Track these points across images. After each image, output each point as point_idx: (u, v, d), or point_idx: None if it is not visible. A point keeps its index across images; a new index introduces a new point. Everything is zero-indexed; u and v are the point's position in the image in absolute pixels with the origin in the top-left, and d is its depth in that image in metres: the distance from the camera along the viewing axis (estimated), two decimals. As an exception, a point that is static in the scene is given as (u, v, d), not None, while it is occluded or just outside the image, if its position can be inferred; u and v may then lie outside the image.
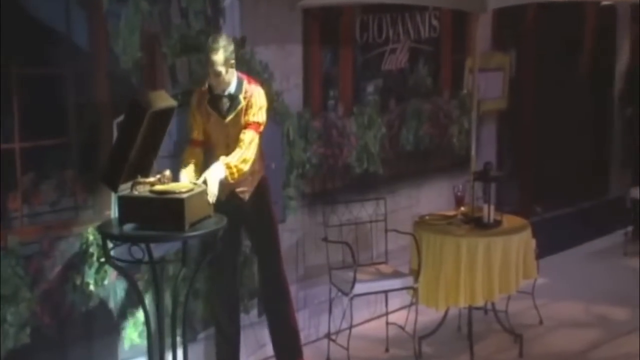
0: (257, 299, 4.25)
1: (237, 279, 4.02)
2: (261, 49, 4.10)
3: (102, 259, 3.49)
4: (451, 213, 4.48)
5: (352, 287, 4.13)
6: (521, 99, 5.82)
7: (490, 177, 4.35)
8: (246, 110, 3.67)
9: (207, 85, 3.69)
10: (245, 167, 3.62)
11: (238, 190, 3.77)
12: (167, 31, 3.75)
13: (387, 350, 4.45)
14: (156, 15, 3.69)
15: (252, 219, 3.87)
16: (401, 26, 4.83)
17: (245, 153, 3.61)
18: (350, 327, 4.26)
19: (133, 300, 3.68)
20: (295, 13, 4.26)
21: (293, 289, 4.18)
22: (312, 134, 4.45)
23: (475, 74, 4.57)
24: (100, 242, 3.46)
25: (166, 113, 3.47)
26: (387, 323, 4.46)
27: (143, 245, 3.43)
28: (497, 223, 4.33)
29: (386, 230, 4.53)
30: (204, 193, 3.45)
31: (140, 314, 3.65)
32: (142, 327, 3.71)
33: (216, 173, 3.52)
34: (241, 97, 3.67)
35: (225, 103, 3.66)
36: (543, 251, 4.76)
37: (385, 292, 4.34)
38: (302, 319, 4.38)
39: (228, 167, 3.55)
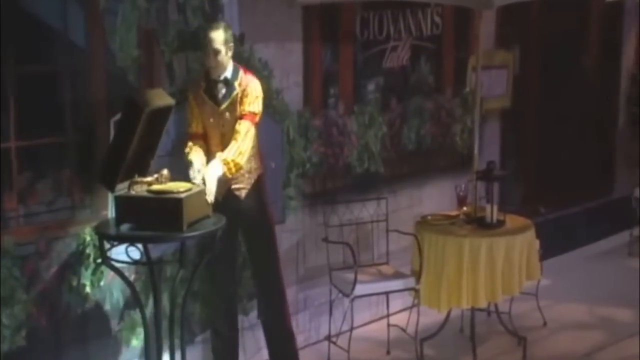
0: (256, 301, 4.21)
1: (235, 280, 3.97)
2: (260, 46, 4.07)
3: (99, 260, 3.47)
4: (453, 213, 4.45)
5: (353, 288, 4.11)
6: (525, 97, 5.77)
7: (493, 176, 4.32)
8: (241, 99, 3.63)
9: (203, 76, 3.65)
10: (242, 160, 3.58)
11: (234, 187, 3.73)
12: (164, 28, 3.72)
13: (388, 352, 4.43)
14: (153, 11, 3.67)
15: (249, 219, 3.83)
16: (402, 23, 4.80)
17: (241, 145, 3.56)
18: (351, 328, 4.25)
19: (130, 301, 3.65)
20: (295, 10, 4.23)
21: (293, 290, 4.15)
22: (312, 132, 4.42)
23: (478, 72, 4.54)
24: (97, 242, 3.44)
25: (164, 111, 3.45)
26: (389, 325, 4.43)
27: (140, 246, 3.40)
28: (500, 223, 4.30)
29: (387, 231, 4.51)
30: (202, 193, 3.42)
31: (137, 316, 3.62)
32: (139, 329, 3.67)
33: (214, 171, 3.48)
34: (236, 84, 3.63)
35: (221, 89, 3.63)
36: (547, 252, 4.73)
37: (387, 293, 4.32)
38: (302, 320, 4.35)
39: (225, 162, 3.51)
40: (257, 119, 3.66)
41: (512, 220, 4.39)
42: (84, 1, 3.47)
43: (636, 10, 6.34)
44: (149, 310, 3.57)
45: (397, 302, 4.54)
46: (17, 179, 3.32)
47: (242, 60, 3.92)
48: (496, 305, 4.44)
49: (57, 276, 3.45)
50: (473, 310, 4.29)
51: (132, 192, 3.34)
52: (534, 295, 4.72)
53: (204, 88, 3.66)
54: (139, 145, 3.34)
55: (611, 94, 6.50)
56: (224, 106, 3.66)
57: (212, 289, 3.94)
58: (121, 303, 3.67)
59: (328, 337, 4.34)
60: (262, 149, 3.85)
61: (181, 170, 3.74)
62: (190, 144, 3.65)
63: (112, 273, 3.53)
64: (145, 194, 3.34)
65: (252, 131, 3.62)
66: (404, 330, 4.43)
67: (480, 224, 4.28)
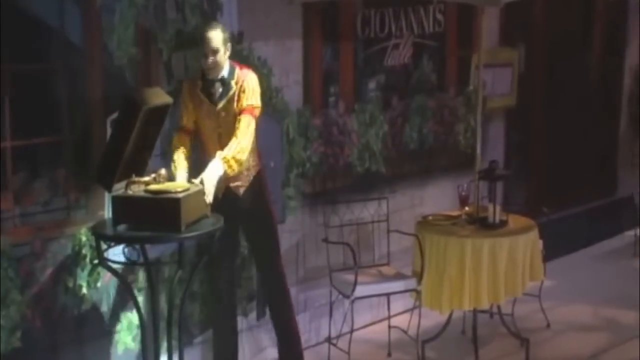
0: (255, 302, 4.17)
1: (233, 280, 3.94)
2: (260, 44, 4.04)
3: (95, 261, 3.43)
4: (455, 213, 4.42)
5: (353, 289, 4.07)
6: (530, 95, 5.73)
7: (495, 175, 4.29)
8: (239, 96, 3.58)
9: (200, 74, 3.62)
10: (244, 156, 3.51)
11: (233, 185, 3.69)
12: (162, 26, 3.69)
13: (389, 354, 4.40)
14: (151, 9, 3.63)
15: (249, 217, 3.79)
16: (404, 20, 4.77)
17: (242, 141, 3.49)
18: (352, 330, 4.23)
19: (127, 303, 3.62)
20: (294, 7, 4.20)
21: (293, 291, 4.12)
22: (312, 131, 4.39)
23: (480, 70, 4.51)
24: (93, 243, 3.40)
25: (161, 110, 3.42)
26: (390, 326, 4.40)
27: (138, 247, 3.37)
28: (503, 223, 4.27)
29: (388, 231, 4.48)
30: (200, 193, 3.39)
31: (134, 317, 3.59)
32: (136, 331, 3.65)
33: (214, 172, 3.43)
34: (233, 82, 3.59)
35: (218, 88, 3.58)
36: (550, 252, 4.69)
37: (388, 294, 4.29)
38: (302, 322, 4.32)
39: (225, 160, 3.46)
40: (257, 112, 3.60)
41: (515, 221, 4.36)
42: (80, -2, 3.44)
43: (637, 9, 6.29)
44: (147, 311, 3.53)
45: (398, 304, 4.51)
46: (12, 179, 3.28)
47: (241, 58, 3.88)
48: (499, 307, 4.41)
49: (53, 277, 3.42)
50: (475, 311, 4.26)
51: (129, 192, 3.30)
52: (537, 296, 4.69)
53: (201, 87, 3.62)
54: (136, 144, 3.31)
55: (615, 93, 6.46)
56: (220, 105, 3.61)
57: (210, 289, 3.89)
58: (118, 304, 3.63)
59: (328, 339, 4.31)
60: (261, 148, 3.81)
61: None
62: (176, 138, 3.59)
63: (109, 274, 3.49)
64: (143, 194, 3.30)
65: (253, 125, 3.56)
66: (405, 332, 4.40)
67: (482, 224, 4.25)
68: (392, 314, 4.40)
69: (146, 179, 3.36)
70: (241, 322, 4.07)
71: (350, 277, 4.12)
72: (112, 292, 3.62)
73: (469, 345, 4.33)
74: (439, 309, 4.20)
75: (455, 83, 5.12)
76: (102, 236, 3.32)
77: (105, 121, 3.51)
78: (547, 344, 4.52)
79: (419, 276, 4.18)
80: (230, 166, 3.47)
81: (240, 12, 3.95)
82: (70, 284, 3.48)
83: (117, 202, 3.29)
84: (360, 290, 4.09)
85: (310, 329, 4.45)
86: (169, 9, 3.70)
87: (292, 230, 4.33)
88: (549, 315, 4.74)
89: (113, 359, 3.65)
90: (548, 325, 4.72)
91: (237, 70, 3.63)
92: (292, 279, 4.24)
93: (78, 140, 3.46)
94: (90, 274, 3.54)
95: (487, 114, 5.17)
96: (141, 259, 3.41)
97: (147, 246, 3.43)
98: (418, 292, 4.20)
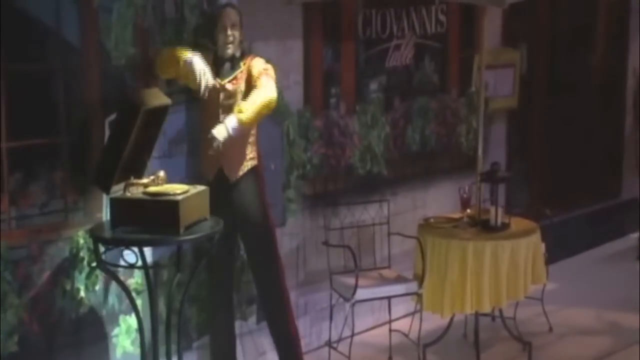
0: (255, 306, 4.14)
1: (231, 282, 3.90)
2: (260, 44, 4.01)
3: (93, 264, 3.41)
4: (457, 216, 4.40)
5: (354, 292, 4.05)
6: (532, 97, 5.70)
7: (497, 178, 4.27)
8: (249, 73, 3.62)
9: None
10: (258, 108, 3.47)
11: (226, 167, 3.67)
12: (161, 26, 3.65)
13: (390, 358, 4.37)
14: (150, 9, 3.60)
15: (244, 215, 3.74)
16: (406, 21, 4.74)
17: (260, 91, 3.49)
18: (352, 334, 4.19)
19: (125, 306, 3.58)
20: (295, 7, 4.18)
21: (293, 295, 4.10)
22: (313, 133, 4.36)
23: (482, 71, 4.49)
24: (91, 245, 3.37)
25: (160, 111, 3.40)
26: (391, 330, 4.38)
27: (136, 249, 3.34)
28: (505, 226, 4.25)
29: (389, 234, 4.45)
30: (199, 194, 3.36)
31: (133, 321, 3.56)
32: (135, 335, 3.62)
33: (226, 121, 3.45)
34: (242, 63, 3.66)
35: (227, 67, 3.64)
36: (553, 255, 4.67)
37: (389, 298, 4.26)
38: (303, 326, 4.29)
39: (239, 110, 3.46)
40: (271, 73, 3.61)
41: (517, 223, 4.33)
42: (78, -2, 3.41)
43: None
44: (145, 315, 3.49)
45: (399, 307, 4.49)
46: (8, 180, 3.25)
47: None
48: (501, 310, 4.38)
49: (50, 280, 3.39)
50: (477, 315, 4.23)
51: (128, 194, 3.28)
52: (540, 299, 4.67)
53: (212, 62, 3.64)
54: (134, 146, 3.29)
55: (619, 94, 6.43)
56: (225, 80, 3.64)
57: (208, 291, 3.86)
58: (117, 308, 3.60)
59: (329, 343, 4.28)
60: (261, 150, 3.78)
61: (179, 172, 3.68)
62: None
63: (107, 277, 3.47)
64: (141, 196, 3.28)
65: (272, 82, 3.55)
66: (406, 335, 4.38)
67: (484, 227, 4.23)
68: (393, 317, 4.38)
69: (145, 180, 3.34)
70: (240, 326, 4.04)
71: (350, 280, 4.09)
72: (110, 295, 3.59)
73: (470, 349, 4.31)
74: (440, 312, 4.18)
75: (458, 84, 5.09)
76: (100, 239, 3.30)
77: (103, 122, 3.48)
78: (549, 347, 4.50)
79: (420, 279, 4.16)
80: (240, 111, 3.45)
81: (236, 8, 3.91)
82: (68, 287, 3.45)
83: (116, 204, 3.26)
84: (360, 294, 4.06)
85: (312, 332, 4.42)
86: (167, 9, 3.67)
87: (292, 233, 4.30)
88: (551, 319, 4.72)
89: (111, 363, 3.63)
90: (550, 329, 4.69)
91: (248, 57, 3.70)
92: (292, 282, 4.21)
93: (76, 141, 3.44)
94: (88, 277, 3.50)
95: (489, 115, 5.14)
96: (139, 262, 3.38)
97: (146, 249, 3.40)
98: (419, 296, 4.18)
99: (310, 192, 4.38)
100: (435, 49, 4.92)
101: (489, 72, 4.91)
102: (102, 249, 3.32)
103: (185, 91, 3.72)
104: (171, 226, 3.18)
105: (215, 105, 3.62)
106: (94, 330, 3.54)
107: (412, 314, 4.36)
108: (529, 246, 4.19)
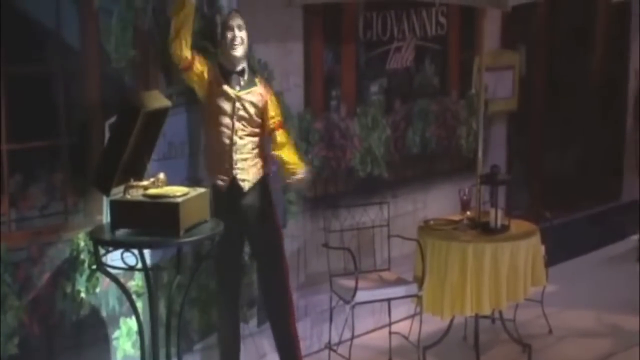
0: (256, 308, 4.14)
1: (240, 285, 3.92)
2: (260, 47, 4.01)
3: (94, 266, 3.40)
4: (457, 218, 4.40)
5: (354, 295, 4.05)
6: (532, 99, 5.70)
7: (497, 180, 4.26)
8: (266, 105, 3.72)
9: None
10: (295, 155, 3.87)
11: (239, 177, 3.70)
12: (161, 28, 3.64)
13: (390, 360, 4.36)
14: (150, 11, 3.59)
15: (254, 221, 3.78)
16: (406, 23, 4.74)
17: (291, 149, 3.87)
18: (352, 337, 4.19)
19: (126, 308, 3.57)
20: (295, 9, 4.18)
21: (294, 297, 4.08)
22: (313, 135, 4.36)
23: (482, 73, 4.49)
24: (91, 248, 3.37)
25: (160, 114, 3.40)
26: (390, 332, 4.38)
27: (136, 252, 3.33)
28: (505, 228, 4.24)
29: (389, 236, 4.44)
30: (199, 196, 3.35)
31: (133, 323, 3.55)
32: (135, 337, 3.61)
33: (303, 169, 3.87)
34: (256, 80, 3.71)
35: (235, 79, 3.67)
36: (553, 257, 4.66)
37: (389, 300, 4.26)
38: (303, 328, 4.29)
39: (296, 163, 3.83)
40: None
41: (517, 225, 4.32)
42: (78, 0, 3.39)
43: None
44: (145, 317, 3.49)
45: (399, 310, 4.48)
46: (8, 182, 3.24)
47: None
48: (500, 313, 4.38)
49: (50, 282, 3.38)
50: (477, 317, 4.23)
51: (128, 197, 3.28)
52: (540, 302, 4.67)
53: (219, 71, 3.66)
54: (134, 148, 3.29)
55: (619, 95, 6.43)
56: (242, 92, 3.68)
57: (215, 292, 3.86)
58: (117, 310, 3.60)
59: (329, 345, 4.28)
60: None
61: (179, 174, 3.68)
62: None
63: (107, 279, 3.46)
64: (141, 198, 3.28)
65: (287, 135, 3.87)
66: (406, 338, 4.37)
67: (484, 229, 4.23)
68: (393, 319, 4.37)
69: (145, 183, 3.34)
70: (242, 329, 4.03)
71: (350, 282, 4.09)
72: (111, 297, 3.58)
73: (470, 351, 4.31)
74: (440, 314, 4.17)
75: (458, 86, 5.09)
76: (100, 241, 3.30)
77: (103, 124, 3.47)
78: (549, 350, 4.50)
79: (420, 281, 4.16)
80: (297, 163, 3.86)
81: (240, 14, 3.92)
82: (69, 290, 3.44)
83: (116, 206, 3.26)
84: (360, 296, 4.06)
85: (312, 334, 4.42)
86: (168, 11, 3.66)
87: (293, 235, 4.30)
88: (551, 321, 4.71)
89: (112, 366, 3.63)
90: (550, 331, 4.69)
91: (257, 74, 3.79)
92: (293, 284, 4.19)
93: (76, 143, 3.42)
94: (88, 279, 3.50)
95: (489, 117, 5.14)
96: (140, 264, 3.37)
97: (146, 251, 3.39)
98: (419, 298, 4.18)
99: (311, 195, 4.38)
100: (435, 51, 4.92)
101: (489, 74, 4.91)
102: (102, 251, 3.31)
103: (186, 93, 3.72)
104: (171, 228, 3.19)
105: (228, 114, 3.64)
106: (94, 332, 3.53)
107: (412, 316, 4.35)
108: (529, 248, 4.19)
